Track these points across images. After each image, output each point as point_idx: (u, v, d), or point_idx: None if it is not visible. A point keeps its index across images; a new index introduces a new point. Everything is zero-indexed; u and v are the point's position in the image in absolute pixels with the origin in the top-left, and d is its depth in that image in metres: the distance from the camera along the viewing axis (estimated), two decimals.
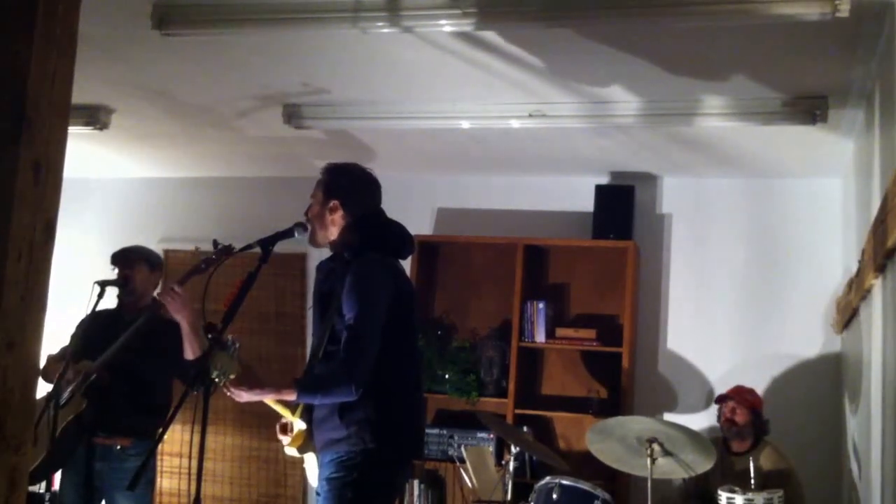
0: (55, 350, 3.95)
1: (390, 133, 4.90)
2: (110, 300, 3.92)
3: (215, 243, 3.55)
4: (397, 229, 3.10)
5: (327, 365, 2.87)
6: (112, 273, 4.01)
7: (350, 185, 3.05)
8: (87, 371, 3.72)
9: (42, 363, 3.62)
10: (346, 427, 2.82)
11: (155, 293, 3.96)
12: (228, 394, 2.78)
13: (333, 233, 3.02)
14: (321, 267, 3.06)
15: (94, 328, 3.81)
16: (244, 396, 2.79)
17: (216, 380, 2.58)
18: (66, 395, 3.70)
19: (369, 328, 2.82)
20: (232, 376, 2.64)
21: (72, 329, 4.05)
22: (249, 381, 2.76)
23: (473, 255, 5.70)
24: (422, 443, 3.16)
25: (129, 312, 3.94)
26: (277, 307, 5.97)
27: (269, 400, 2.95)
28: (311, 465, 3.05)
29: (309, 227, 3.02)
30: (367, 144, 5.12)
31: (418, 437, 3.09)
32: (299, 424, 3.01)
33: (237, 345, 2.66)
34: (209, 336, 2.61)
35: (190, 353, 3.73)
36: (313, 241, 3.05)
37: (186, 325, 3.67)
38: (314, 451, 2.98)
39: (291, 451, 3.02)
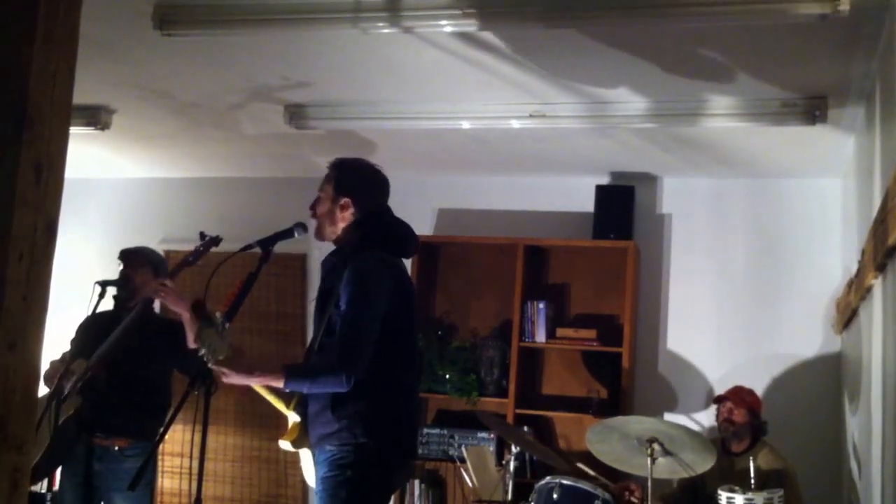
0: (56, 351, 3.95)
1: (391, 133, 4.90)
2: (109, 301, 3.92)
3: (202, 235, 3.56)
4: (402, 228, 3.11)
5: (321, 355, 2.87)
6: (116, 268, 4.00)
7: (361, 183, 3.05)
8: (83, 368, 3.72)
9: (44, 367, 3.62)
10: (338, 421, 2.80)
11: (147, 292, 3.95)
12: (223, 378, 2.76)
13: (340, 228, 3.03)
14: (324, 263, 3.06)
15: (92, 329, 3.80)
16: (233, 378, 2.74)
17: (204, 358, 2.56)
18: (65, 392, 3.70)
19: (364, 319, 2.81)
20: (221, 357, 2.62)
21: (73, 330, 4.06)
22: (239, 364, 2.72)
23: (474, 255, 5.71)
24: (415, 442, 3.12)
25: (126, 312, 3.93)
26: (277, 307, 5.97)
27: (262, 390, 2.94)
28: (307, 465, 3.04)
29: (316, 223, 3.03)
30: (367, 144, 5.12)
31: (412, 436, 3.06)
32: (293, 417, 3.00)
33: (227, 325, 2.63)
34: (197, 312, 2.59)
35: (193, 343, 3.72)
36: (320, 236, 3.06)
37: (188, 314, 3.66)
38: (309, 446, 2.98)
39: (286, 445, 3.01)
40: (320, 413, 2.86)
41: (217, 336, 2.58)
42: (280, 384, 2.81)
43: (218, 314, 2.63)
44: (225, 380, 2.74)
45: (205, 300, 2.68)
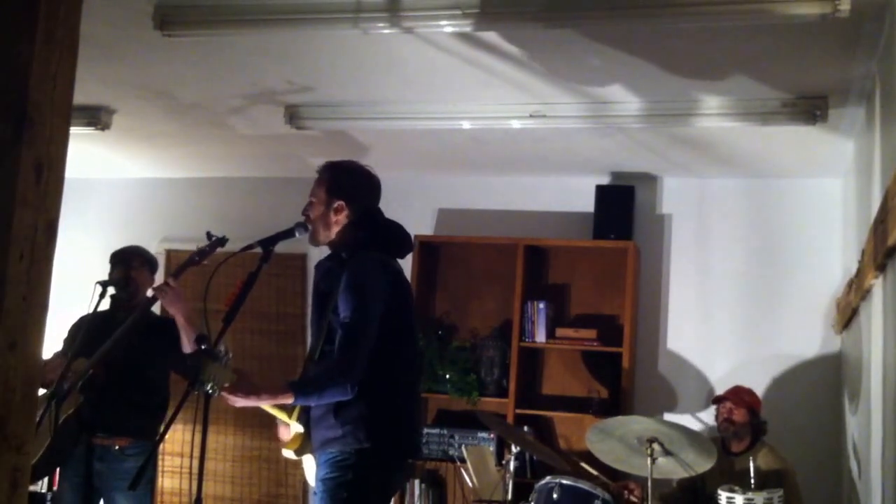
0: (50, 353, 3.94)
1: (391, 133, 4.90)
2: (106, 301, 3.90)
3: (209, 235, 3.56)
4: (396, 229, 3.10)
5: (322, 364, 2.87)
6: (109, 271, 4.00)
7: (353, 185, 3.04)
8: (83, 368, 3.72)
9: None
10: (342, 426, 2.81)
11: (149, 291, 3.95)
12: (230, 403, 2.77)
13: (335, 232, 3.02)
14: (319, 266, 3.05)
15: (90, 329, 3.80)
16: (240, 402, 2.75)
17: (210, 391, 2.57)
18: (63, 391, 3.69)
19: (364, 325, 2.81)
20: (226, 385, 2.63)
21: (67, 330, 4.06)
22: (245, 387, 2.72)
23: (474, 255, 5.71)
24: (418, 442, 3.12)
25: (124, 311, 3.93)
26: (278, 307, 5.97)
27: (264, 404, 2.94)
28: (310, 466, 3.04)
29: (310, 228, 3.02)
30: (367, 145, 5.12)
31: (415, 437, 3.06)
32: (296, 427, 3.00)
33: (229, 355, 2.65)
34: (201, 347, 2.60)
35: (188, 346, 3.72)
36: (314, 241, 3.05)
37: (181, 317, 3.66)
38: (312, 452, 2.98)
39: (288, 454, 3.01)
40: (323, 417, 2.86)
41: (220, 368, 2.59)
42: (289, 401, 2.80)
43: (222, 347, 2.64)
44: (233, 404, 2.75)
45: (208, 333, 2.67)
